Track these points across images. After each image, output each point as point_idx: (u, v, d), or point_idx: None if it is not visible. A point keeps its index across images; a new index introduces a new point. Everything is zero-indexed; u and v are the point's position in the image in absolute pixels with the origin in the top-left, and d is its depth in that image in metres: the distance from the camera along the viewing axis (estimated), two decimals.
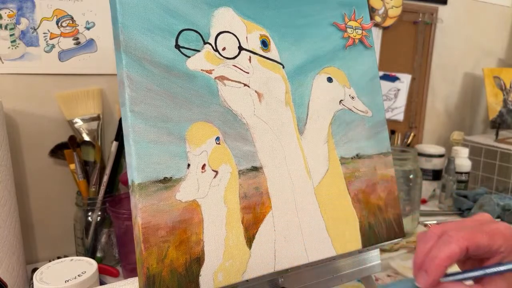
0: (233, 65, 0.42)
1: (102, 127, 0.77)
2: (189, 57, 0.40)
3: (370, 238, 0.49)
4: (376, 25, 1.07)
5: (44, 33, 0.71)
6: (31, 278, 0.63)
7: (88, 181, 0.72)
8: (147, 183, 0.36)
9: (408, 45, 1.16)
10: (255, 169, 0.42)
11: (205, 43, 0.41)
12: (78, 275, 0.49)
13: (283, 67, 0.46)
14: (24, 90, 0.72)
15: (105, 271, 0.70)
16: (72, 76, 0.75)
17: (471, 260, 0.36)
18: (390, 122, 1.15)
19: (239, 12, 0.43)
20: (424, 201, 1.09)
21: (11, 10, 0.69)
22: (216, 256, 0.39)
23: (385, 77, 1.14)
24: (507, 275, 0.34)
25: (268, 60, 0.45)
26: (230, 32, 0.43)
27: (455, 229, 0.34)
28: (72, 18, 0.73)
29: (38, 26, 0.71)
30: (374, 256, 0.53)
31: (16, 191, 0.66)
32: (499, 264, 0.33)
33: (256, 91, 0.43)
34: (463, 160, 1.10)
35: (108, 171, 0.72)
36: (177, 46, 0.39)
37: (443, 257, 0.32)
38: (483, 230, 0.33)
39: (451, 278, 0.34)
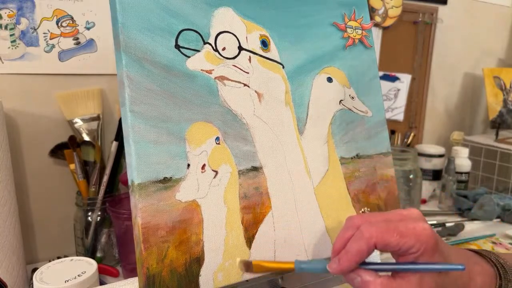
0: (233, 65, 0.42)
1: (102, 127, 0.77)
2: (189, 57, 0.40)
3: None
4: (376, 25, 1.07)
5: (44, 33, 0.71)
6: (31, 278, 0.63)
7: (88, 181, 0.72)
8: (147, 183, 0.36)
9: (408, 45, 1.16)
10: (255, 169, 0.42)
11: (205, 43, 0.41)
12: (78, 275, 0.49)
13: (283, 67, 0.46)
14: (24, 90, 0.72)
15: (105, 271, 0.70)
16: (72, 76, 0.75)
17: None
18: (390, 122, 1.15)
19: (239, 12, 0.43)
20: (424, 201, 1.09)
21: (11, 10, 0.69)
22: (216, 256, 0.39)
23: (385, 77, 1.14)
24: (420, 272, 0.34)
25: (268, 60, 0.45)
26: (230, 32, 0.43)
27: (370, 224, 0.34)
28: (72, 18, 0.73)
29: (38, 26, 0.71)
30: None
31: (16, 191, 0.66)
32: (414, 262, 0.34)
33: (256, 91, 0.43)
34: (463, 160, 1.10)
35: (108, 171, 0.72)
36: (177, 46, 0.39)
37: (353, 253, 0.34)
38: (397, 228, 0.33)
39: (368, 266, 0.35)
